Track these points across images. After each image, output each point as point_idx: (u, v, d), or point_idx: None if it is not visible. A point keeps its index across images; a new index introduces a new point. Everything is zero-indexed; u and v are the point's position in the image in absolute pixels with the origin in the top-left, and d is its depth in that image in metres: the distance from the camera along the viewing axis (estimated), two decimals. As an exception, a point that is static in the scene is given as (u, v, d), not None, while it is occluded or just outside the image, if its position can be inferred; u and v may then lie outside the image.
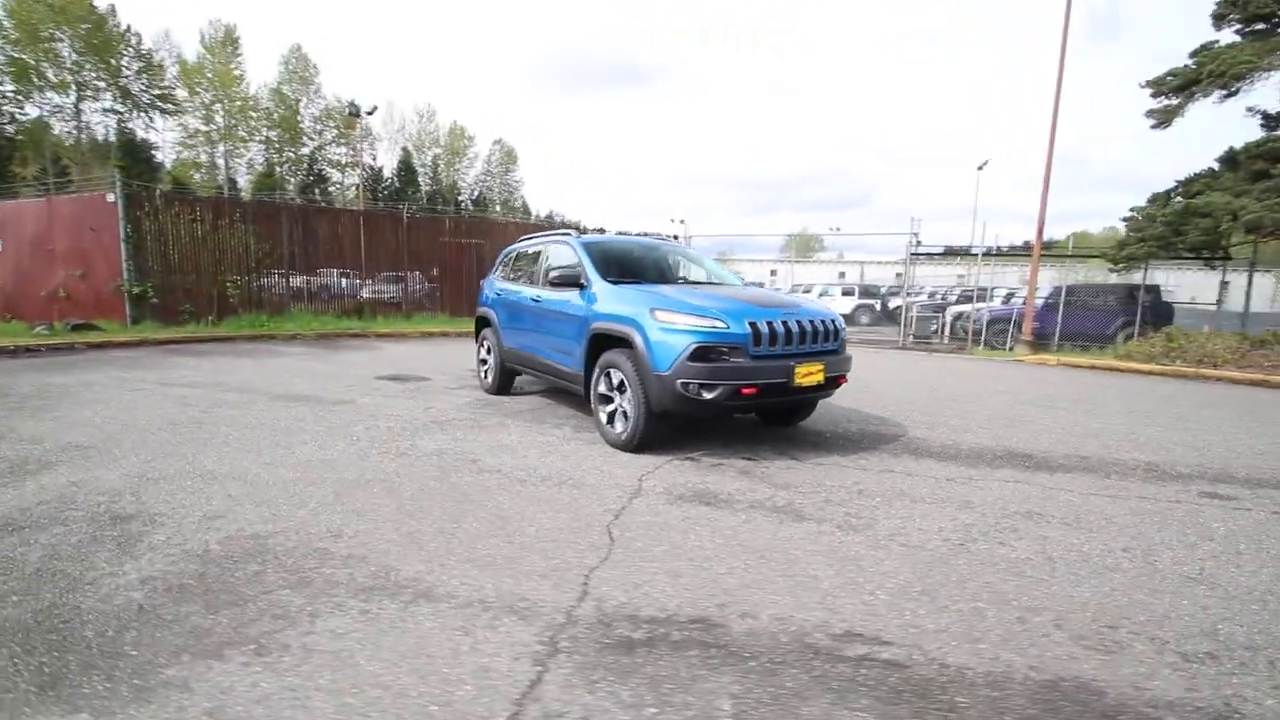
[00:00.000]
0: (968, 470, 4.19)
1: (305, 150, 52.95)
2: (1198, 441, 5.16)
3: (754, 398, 4.11)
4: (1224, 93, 11.73)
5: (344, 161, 55.52)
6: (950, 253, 18.59)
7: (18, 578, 2.46)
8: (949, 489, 3.78)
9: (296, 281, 14.17)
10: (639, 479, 3.84)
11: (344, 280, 14.94)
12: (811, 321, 4.35)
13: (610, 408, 4.59)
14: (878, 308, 24.51)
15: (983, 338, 15.35)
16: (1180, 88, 11.75)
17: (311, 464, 4.04)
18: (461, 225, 16.83)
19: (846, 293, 25.53)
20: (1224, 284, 13.89)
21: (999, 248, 19.33)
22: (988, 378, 9.32)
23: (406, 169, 61.39)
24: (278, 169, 51.89)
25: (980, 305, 16.51)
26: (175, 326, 11.94)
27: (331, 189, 54.64)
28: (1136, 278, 14.14)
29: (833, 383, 4.54)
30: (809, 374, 4.21)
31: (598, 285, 4.90)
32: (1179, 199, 12.48)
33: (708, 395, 4.05)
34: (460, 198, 65.06)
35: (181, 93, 46.23)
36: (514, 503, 3.40)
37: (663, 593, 2.45)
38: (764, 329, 4.11)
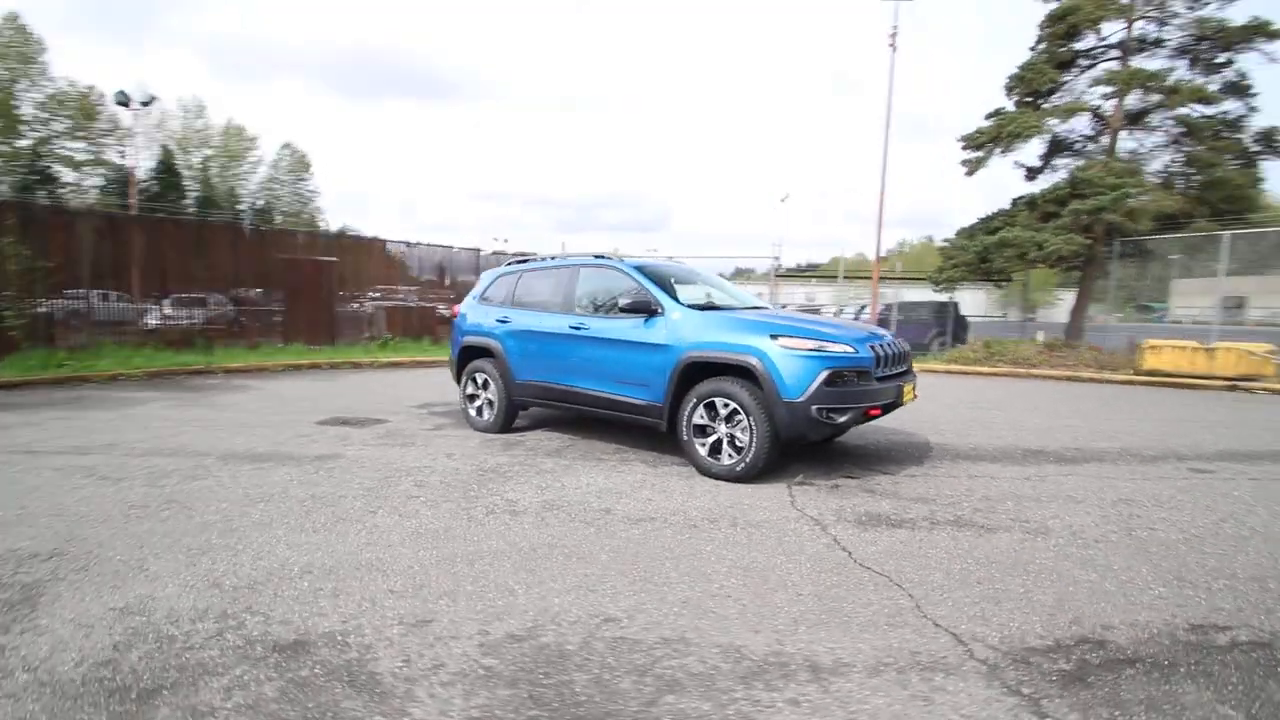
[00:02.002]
0: (1024, 469, 4.79)
1: (25, 143, 41.86)
2: (1123, 428, 6.50)
3: (873, 418, 4.28)
4: (1005, 150, 14.92)
5: (81, 159, 44.93)
6: (797, 274, 20.83)
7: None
8: (1038, 487, 4.30)
9: (102, 308, 11.17)
10: (799, 510, 3.77)
11: (155, 306, 12.11)
12: (896, 344, 4.66)
13: (710, 439, 4.41)
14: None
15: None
16: (983, 144, 14.68)
17: (424, 536, 3.29)
18: (318, 242, 14.68)
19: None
20: (1037, 299, 17.46)
21: (801, 268, 22.17)
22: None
23: (168, 170, 51.73)
24: (-19, 163, 40.30)
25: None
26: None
27: (63, 190, 43.75)
28: (912, 294, 17.20)
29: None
30: (910, 393, 4.50)
31: (679, 312, 4.70)
32: (980, 234, 15.48)
33: (840, 419, 4.12)
34: (240, 207, 56.53)
35: None
36: (722, 552, 3.13)
37: (1014, 619, 2.47)
38: (882, 352, 4.31)
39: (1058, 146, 16.40)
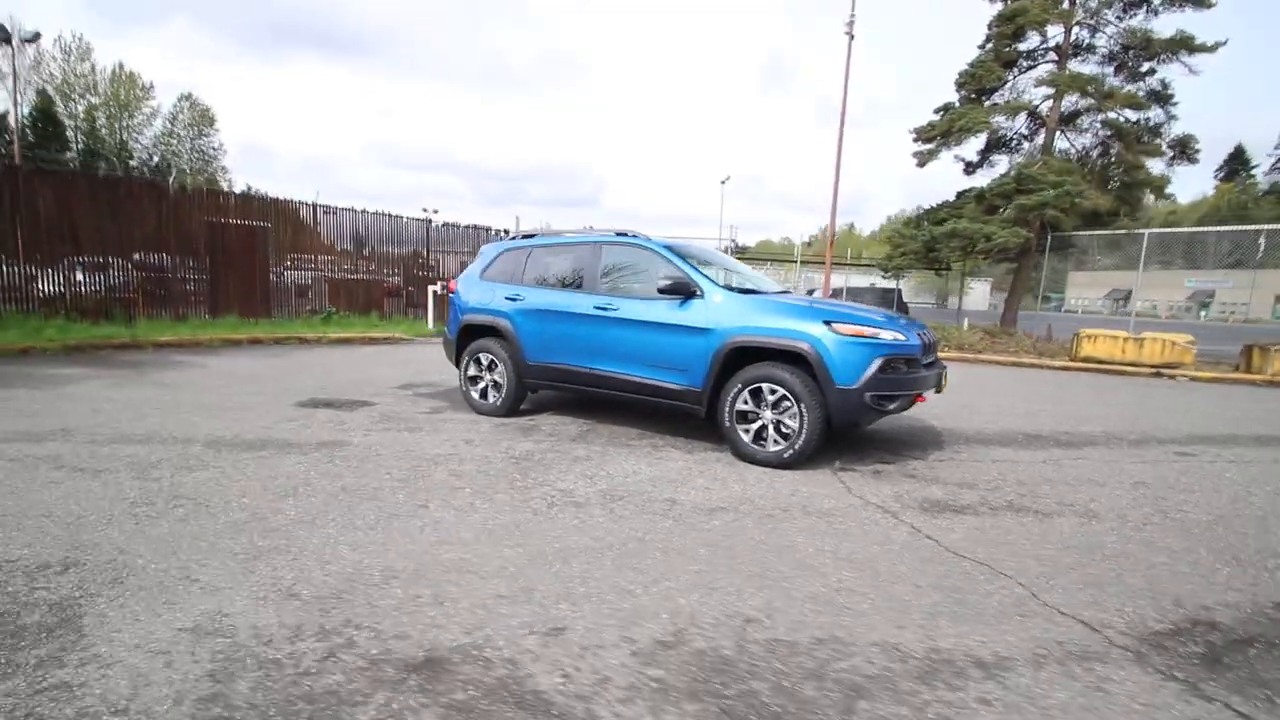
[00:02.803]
0: (1035, 453, 5.04)
1: None
2: (1092, 413, 6.97)
3: (915, 404, 4.34)
4: (956, 144, 15.59)
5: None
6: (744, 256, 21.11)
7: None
8: (1059, 471, 4.53)
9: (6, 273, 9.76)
10: (860, 497, 3.78)
11: (85, 273, 10.75)
12: (930, 333, 4.74)
13: (754, 426, 4.35)
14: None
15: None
16: (934, 137, 15.25)
17: (497, 533, 3.05)
18: (253, 204, 13.37)
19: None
20: (950, 287, 18.41)
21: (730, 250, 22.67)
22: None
23: (47, 118, 45.92)
24: None
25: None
26: None
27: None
28: (855, 281, 17.96)
29: None
30: (945, 380, 4.60)
31: (720, 294, 4.57)
32: (927, 224, 16.18)
33: (890, 406, 4.16)
34: (133, 162, 51.08)
35: None
36: (816, 543, 3.09)
37: (1125, 603, 2.55)
38: (927, 340, 4.37)
39: (996, 143, 17.31)
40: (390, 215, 15.31)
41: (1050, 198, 12.73)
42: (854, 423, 4.22)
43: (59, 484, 3.51)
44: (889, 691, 1.94)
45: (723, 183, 44.06)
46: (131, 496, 3.36)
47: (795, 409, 4.17)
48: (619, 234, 5.28)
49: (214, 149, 56.17)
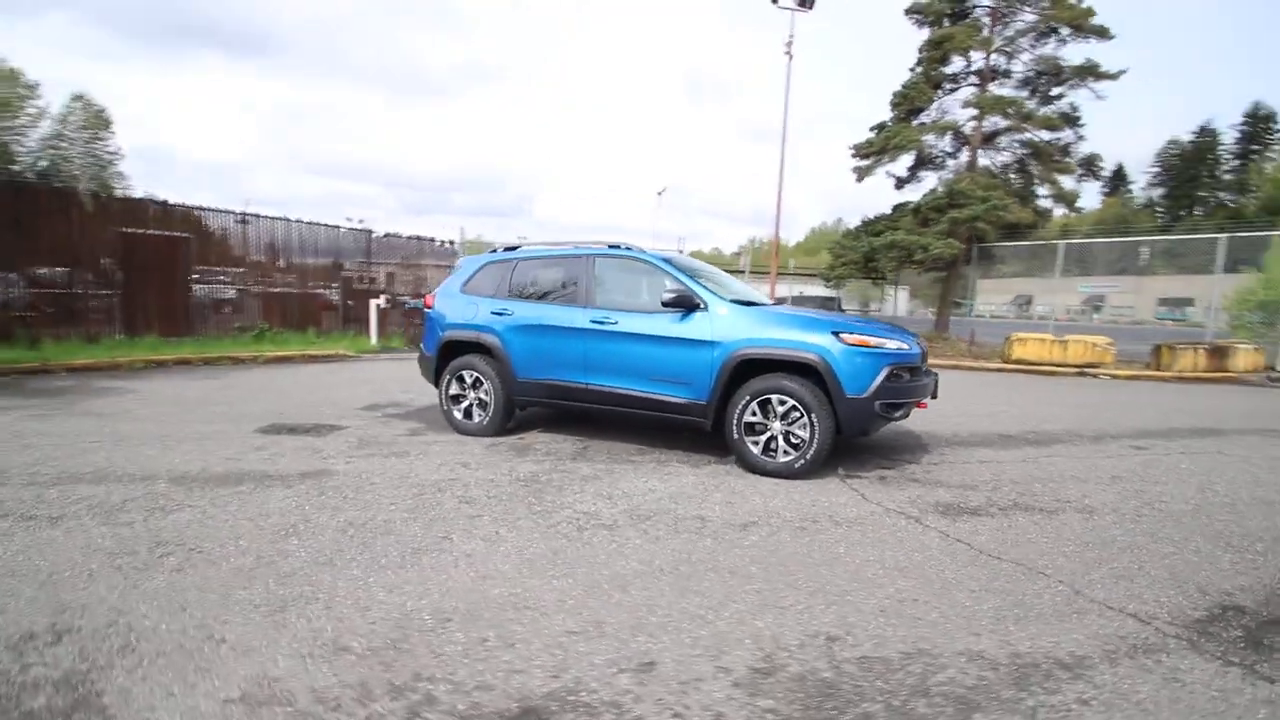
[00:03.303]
0: (1013, 453, 5.30)
1: None
2: (1045, 413, 7.44)
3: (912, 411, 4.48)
4: (891, 160, 16.43)
5: None
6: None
7: None
8: (1043, 469, 4.78)
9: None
10: (877, 504, 3.84)
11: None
12: (923, 343, 4.91)
13: (763, 437, 4.36)
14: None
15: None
16: (871, 153, 16.02)
17: (537, 563, 2.89)
18: (174, 213, 12.32)
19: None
20: (883, 295, 19.31)
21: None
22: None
23: (-94, 117, 41.08)
24: None
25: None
26: None
27: None
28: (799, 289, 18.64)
29: None
30: (937, 386, 4.77)
31: (725, 307, 4.56)
32: (865, 236, 16.93)
33: (895, 414, 4.26)
34: (14, 166, 46.34)
35: None
36: (858, 553, 3.10)
37: (1160, 594, 2.69)
38: (923, 349, 4.51)
39: (923, 160, 18.38)
40: (327, 225, 14.57)
41: (981, 211, 13.62)
42: (863, 431, 4.30)
43: (11, 536, 3.06)
44: (994, 701, 1.95)
45: (659, 194, 44.70)
46: (106, 546, 2.97)
47: (805, 419, 4.21)
48: (611, 246, 5.19)
49: (110, 153, 51.76)
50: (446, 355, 5.65)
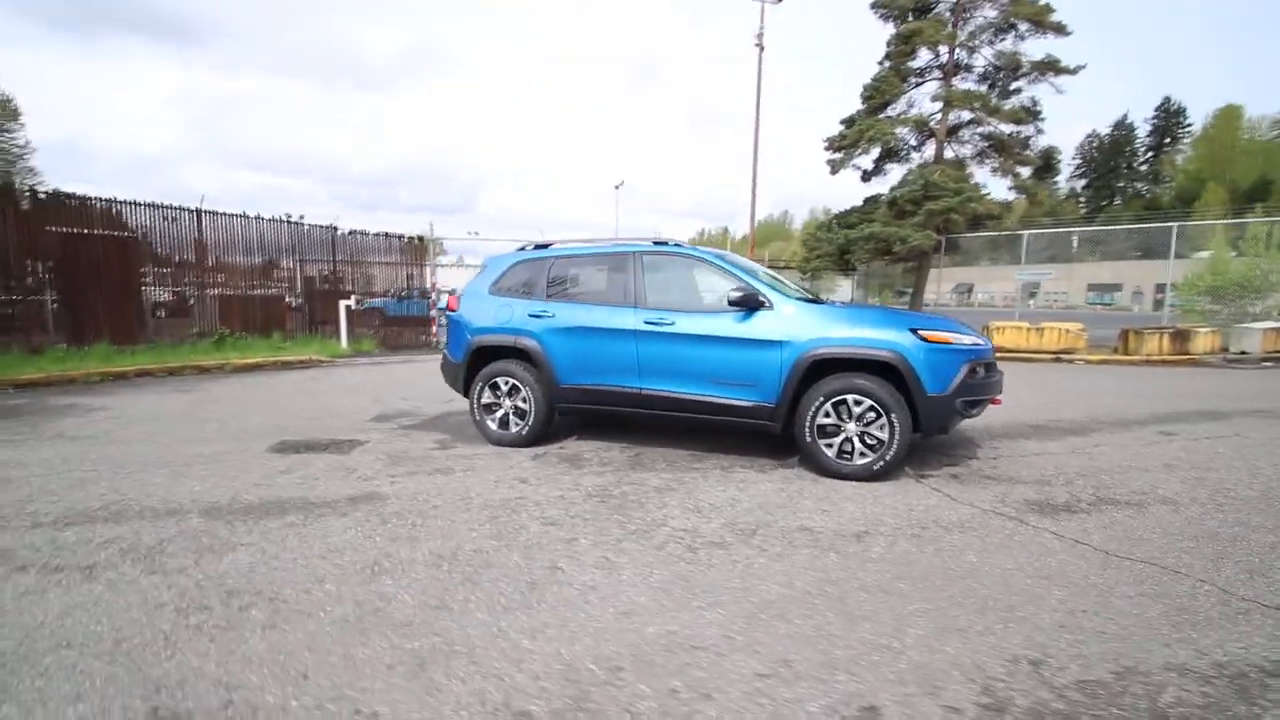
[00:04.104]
0: (1058, 444, 5.35)
1: None
2: (1052, 399, 7.62)
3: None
4: (864, 152, 16.66)
5: None
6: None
7: None
8: (1094, 460, 4.82)
9: None
10: (973, 505, 3.76)
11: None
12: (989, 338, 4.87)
13: (838, 439, 4.22)
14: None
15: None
16: (844, 147, 16.19)
17: (672, 593, 2.65)
18: (120, 213, 11.24)
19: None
20: (856, 287, 19.64)
21: None
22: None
23: None
24: None
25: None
26: None
27: None
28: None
29: None
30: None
31: (792, 306, 4.38)
32: (839, 228, 17.14)
33: (974, 411, 4.19)
34: (-98, 161, 41.94)
35: None
36: (995, 562, 2.99)
37: (1310, 592, 2.69)
38: (992, 345, 4.46)
39: (888, 153, 18.75)
40: (290, 221, 13.65)
41: (955, 203, 13.97)
42: (943, 429, 4.22)
43: (44, 594, 2.61)
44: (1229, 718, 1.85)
45: (617, 187, 44.33)
46: (169, 601, 2.56)
47: (884, 420, 4.09)
48: (658, 243, 4.94)
49: (19, 147, 47.45)
50: (477, 362, 5.28)
